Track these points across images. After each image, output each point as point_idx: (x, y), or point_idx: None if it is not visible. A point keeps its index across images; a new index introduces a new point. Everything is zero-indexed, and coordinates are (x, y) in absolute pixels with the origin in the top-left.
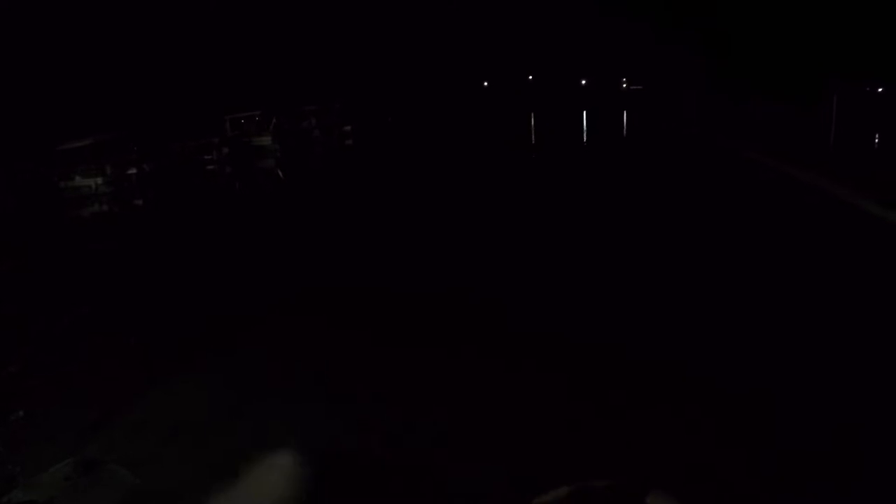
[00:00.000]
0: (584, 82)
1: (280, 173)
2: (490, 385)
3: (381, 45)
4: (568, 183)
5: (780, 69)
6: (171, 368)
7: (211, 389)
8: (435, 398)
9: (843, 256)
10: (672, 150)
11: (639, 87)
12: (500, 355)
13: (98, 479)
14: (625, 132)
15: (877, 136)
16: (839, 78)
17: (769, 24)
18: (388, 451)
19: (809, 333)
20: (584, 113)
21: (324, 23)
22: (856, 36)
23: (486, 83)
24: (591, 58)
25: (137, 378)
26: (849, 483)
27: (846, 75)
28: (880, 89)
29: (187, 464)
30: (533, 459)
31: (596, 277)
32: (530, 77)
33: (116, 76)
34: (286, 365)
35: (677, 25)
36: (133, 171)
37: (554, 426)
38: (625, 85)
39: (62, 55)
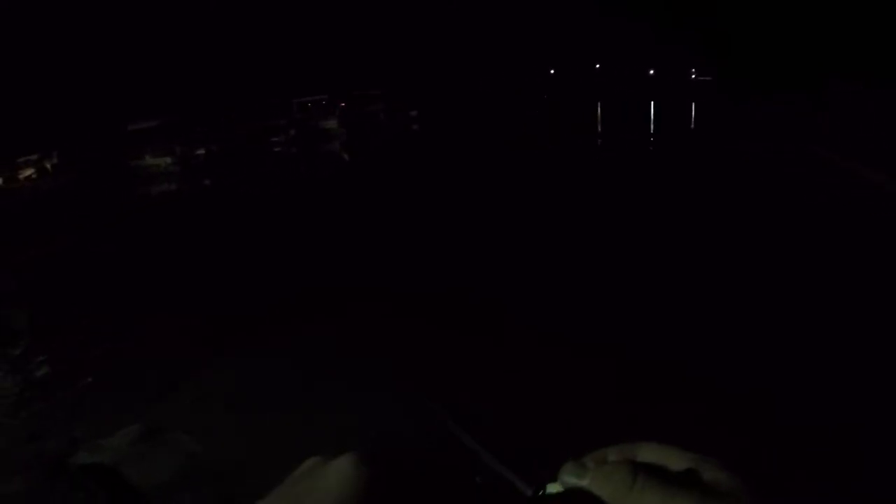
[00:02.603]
0: (651, 72)
1: (345, 156)
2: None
3: (448, 32)
4: (635, 176)
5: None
6: (237, 344)
7: (274, 369)
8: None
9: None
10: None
11: (708, 77)
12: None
13: (162, 445)
14: (692, 124)
15: None
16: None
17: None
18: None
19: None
20: (652, 104)
21: (393, 8)
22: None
23: (552, 71)
24: (659, 47)
25: (202, 353)
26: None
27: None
28: None
29: (242, 436)
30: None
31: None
32: (597, 66)
33: (186, 60)
34: (353, 351)
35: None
36: (201, 151)
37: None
38: (693, 76)
39: (133, 38)
